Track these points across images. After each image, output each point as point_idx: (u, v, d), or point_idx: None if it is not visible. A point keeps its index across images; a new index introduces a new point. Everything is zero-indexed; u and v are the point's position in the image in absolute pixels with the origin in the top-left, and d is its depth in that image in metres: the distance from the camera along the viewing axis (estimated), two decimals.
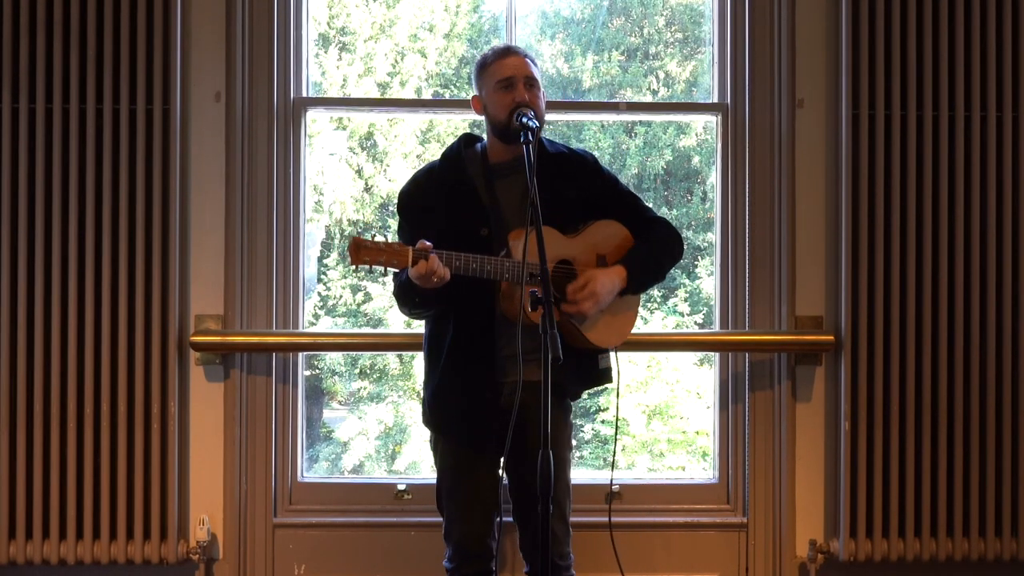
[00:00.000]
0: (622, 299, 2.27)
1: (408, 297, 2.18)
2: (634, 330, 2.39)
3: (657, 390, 4.38)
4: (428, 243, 2.03)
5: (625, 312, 2.32)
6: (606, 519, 2.83)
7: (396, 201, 2.36)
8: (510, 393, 2.15)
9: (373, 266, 2.01)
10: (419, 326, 4.31)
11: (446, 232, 2.16)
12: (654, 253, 2.31)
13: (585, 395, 2.50)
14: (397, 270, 2.10)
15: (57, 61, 2.69)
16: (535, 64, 2.28)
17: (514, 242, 2.13)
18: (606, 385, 2.39)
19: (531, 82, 2.22)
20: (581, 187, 2.30)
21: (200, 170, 2.81)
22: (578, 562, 2.43)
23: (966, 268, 2.78)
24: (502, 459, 2.10)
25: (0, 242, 2.69)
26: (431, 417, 2.33)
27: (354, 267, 2.01)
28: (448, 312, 2.24)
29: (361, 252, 2.00)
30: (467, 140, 2.36)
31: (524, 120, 2.09)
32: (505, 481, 2.29)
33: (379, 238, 2.03)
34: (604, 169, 2.39)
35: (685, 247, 2.39)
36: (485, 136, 2.35)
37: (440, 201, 2.25)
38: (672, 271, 2.48)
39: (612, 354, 2.37)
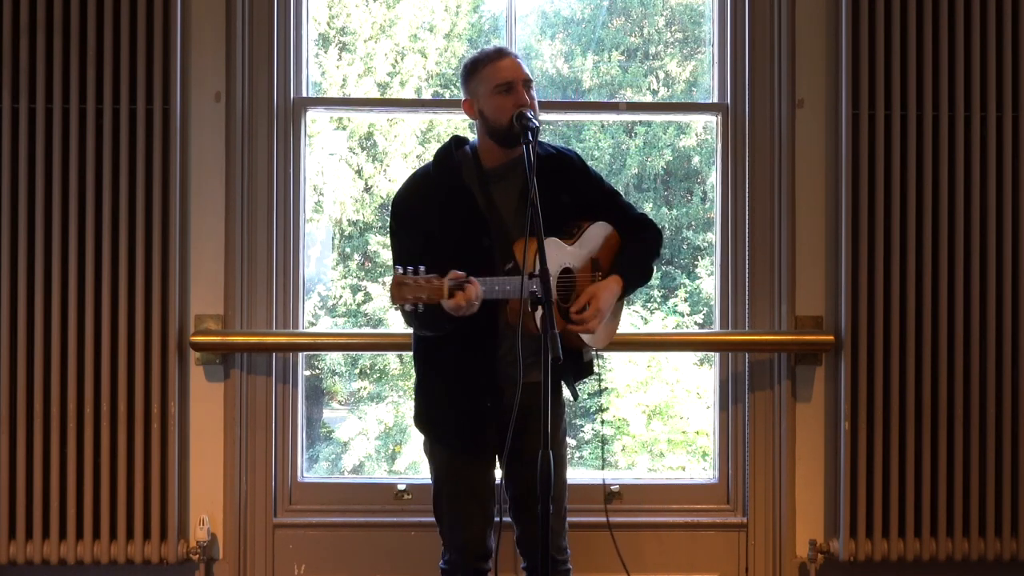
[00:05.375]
0: None
1: (435, 324, 2.07)
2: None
3: (657, 390, 4.38)
4: (460, 272, 1.93)
5: (613, 316, 2.34)
6: (605, 519, 2.84)
7: (391, 208, 2.28)
8: (511, 395, 2.14)
9: (411, 304, 1.88)
10: None
11: (444, 241, 2.12)
12: (642, 256, 2.32)
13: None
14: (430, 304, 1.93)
15: (57, 61, 2.69)
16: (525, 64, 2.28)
17: (520, 253, 2.09)
18: (590, 377, 2.40)
19: (528, 84, 2.20)
20: (574, 190, 2.28)
21: (200, 170, 2.81)
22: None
23: (966, 268, 2.78)
24: (498, 460, 2.09)
25: (0, 242, 2.69)
26: (428, 424, 2.31)
27: (396, 306, 1.89)
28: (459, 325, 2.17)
29: (403, 290, 1.87)
30: (457, 142, 2.29)
31: (527, 122, 2.06)
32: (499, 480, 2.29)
33: (412, 273, 1.89)
34: (590, 169, 2.37)
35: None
36: (474, 138, 2.29)
37: (437, 209, 2.18)
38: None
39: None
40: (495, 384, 2.19)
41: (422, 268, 1.89)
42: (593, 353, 2.36)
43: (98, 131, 2.71)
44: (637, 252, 2.31)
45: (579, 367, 2.36)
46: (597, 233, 2.30)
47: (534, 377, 2.14)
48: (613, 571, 2.76)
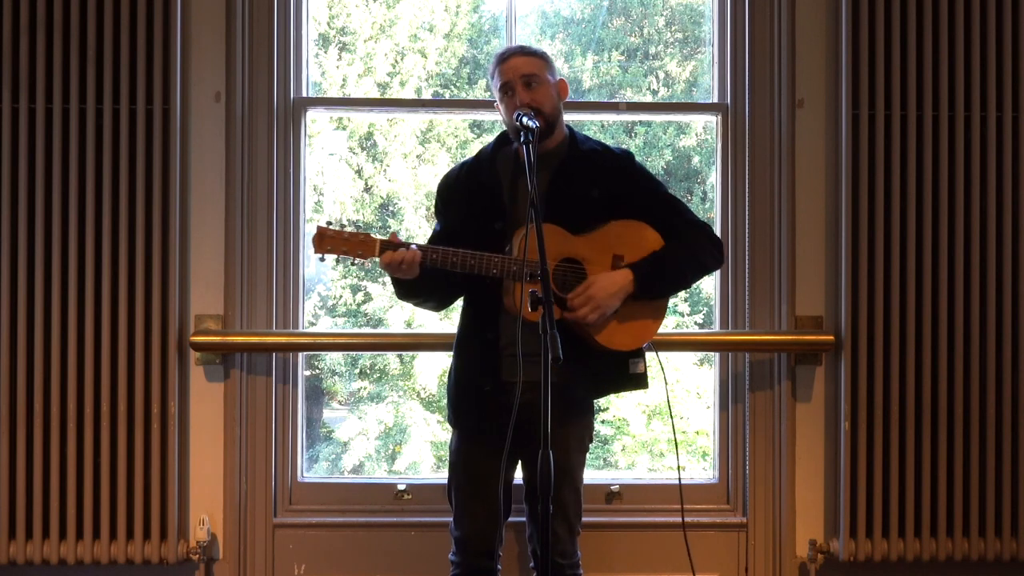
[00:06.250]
0: (640, 303, 2.22)
1: (393, 286, 2.28)
2: None
3: (657, 390, 4.37)
4: (397, 236, 2.11)
5: (643, 317, 2.24)
6: (606, 519, 2.84)
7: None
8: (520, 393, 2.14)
9: (338, 256, 2.08)
10: (420, 326, 4.32)
11: (465, 225, 2.25)
12: (675, 258, 2.23)
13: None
14: (363, 260, 2.13)
15: (57, 61, 2.69)
16: (539, 55, 2.26)
17: (517, 239, 2.13)
18: (638, 391, 2.36)
19: (530, 80, 2.20)
20: (608, 186, 2.25)
21: (200, 170, 2.81)
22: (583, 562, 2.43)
23: (966, 268, 2.78)
24: (506, 458, 2.09)
25: (0, 242, 2.69)
26: (448, 408, 2.37)
27: (320, 256, 2.08)
28: (468, 305, 2.32)
29: (324, 241, 2.08)
30: (505, 138, 2.37)
31: (523, 120, 2.08)
32: (519, 479, 2.33)
33: (348, 229, 2.09)
34: (641, 169, 2.33)
35: (723, 256, 2.32)
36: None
37: (465, 195, 2.31)
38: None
39: (652, 356, 2.33)
40: (493, 367, 2.21)
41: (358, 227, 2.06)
42: (643, 365, 2.30)
43: (98, 131, 2.71)
44: (666, 253, 2.23)
45: (616, 377, 2.29)
46: (621, 230, 2.24)
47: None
48: (616, 571, 2.77)
